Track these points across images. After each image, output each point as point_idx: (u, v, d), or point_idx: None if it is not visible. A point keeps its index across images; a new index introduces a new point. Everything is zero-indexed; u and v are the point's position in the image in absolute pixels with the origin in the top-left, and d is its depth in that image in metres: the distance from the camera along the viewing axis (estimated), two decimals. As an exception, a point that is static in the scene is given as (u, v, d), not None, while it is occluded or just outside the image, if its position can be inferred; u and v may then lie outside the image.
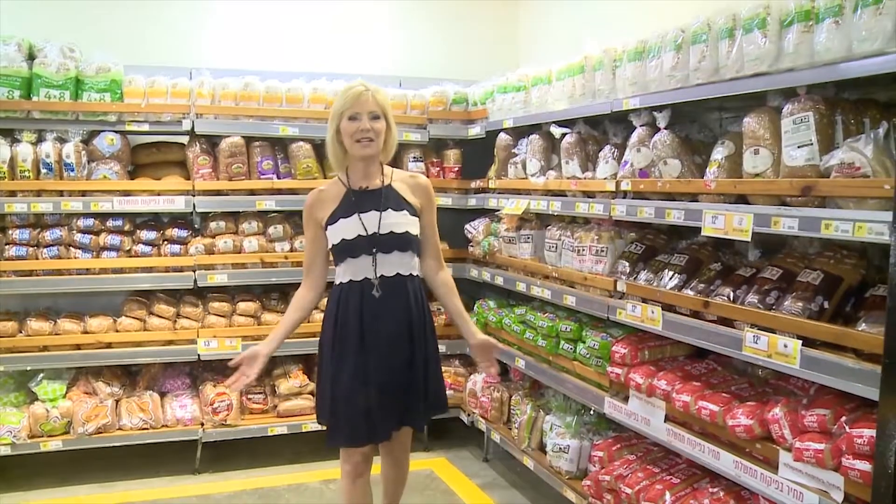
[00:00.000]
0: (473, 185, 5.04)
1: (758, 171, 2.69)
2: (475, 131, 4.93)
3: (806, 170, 2.50)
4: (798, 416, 2.52)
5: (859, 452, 2.24)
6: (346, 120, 2.99)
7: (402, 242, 3.06)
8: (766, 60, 2.61)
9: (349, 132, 2.99)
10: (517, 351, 4.29)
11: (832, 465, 2.34)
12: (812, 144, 2.48)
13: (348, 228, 3.04)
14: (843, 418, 2.38)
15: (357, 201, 3.08)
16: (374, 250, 3.03)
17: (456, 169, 5.11)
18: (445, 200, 4.97)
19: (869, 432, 2.21)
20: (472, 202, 5.02)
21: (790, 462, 2.51)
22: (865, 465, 2.21)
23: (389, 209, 3.06)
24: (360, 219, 3.04)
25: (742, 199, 2.80)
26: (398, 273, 3.08)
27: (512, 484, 4.44)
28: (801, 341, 2.46)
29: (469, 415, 4.83)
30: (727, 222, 2.76)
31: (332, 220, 3.08)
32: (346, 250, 3.05)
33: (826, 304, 2.53)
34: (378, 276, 3.04)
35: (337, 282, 3.14)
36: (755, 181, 2.69)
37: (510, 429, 4.40)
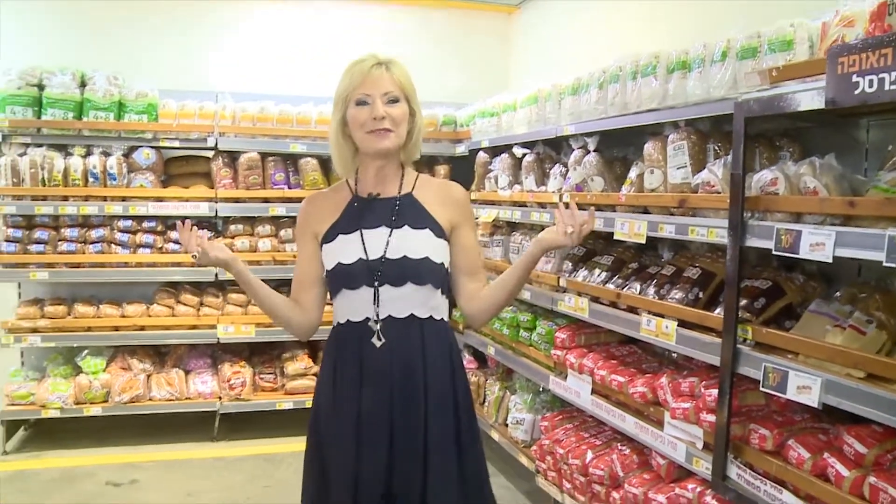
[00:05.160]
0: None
1: (653, 187, 3.32)
2: (461, 150, 5.56)
3: (683, 187, 3.12)
4: (677, 384, 3.07)
5: (710, 408, 2.82)
6: (353, 106, 2.21)
7: (418, 272, 2.22)
8: (657, 99, 3.23)
9: (358, 121, 2.20)
10: (490, 340, 4.92)
11: (694, 419, 2.91)
12: (686, 166, 3.10)
13: (347, 249, 2.25)
14: (703, 383, 3.00)
15: (362, 213, 2.29)
16: (376, 281, 2.21)
17: (445, 182, 5.77)
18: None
19: (716, 392, 2.78)
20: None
21: (670, 420, 3.10)
22: (713, 418, 2.78)
23: (406, 226, 2.25)
24: (363, 236, 2.25)
25: (646, 210, 3.43)
26: (412, 315, 2.24)
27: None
28: (677, 322, 3.06)
29: (451, 397, 5.47)
30: (630, 228, 3.38)
31: (330, 236, 2.30)
32: (342, 279, 2.26)
33: (701, 294, 3.10)
34: (381, 316, 2.22)
35: (334, 322, 2.36)
36: (650, 195, 3.32)
37: (483, 407, 5.05)
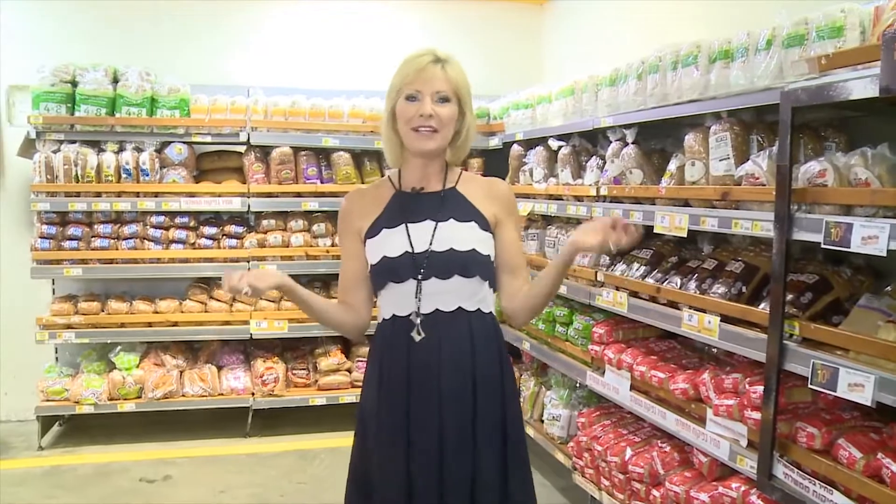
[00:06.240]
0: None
1: (694, 179, 3.25)
2: (494, 142, 5.50)
3: (725, 179, 3.04)
4: (720, 380, 3.01)
5: (755, 405, 2.76)
6: (402, 100, 2.19)
7: (465, 264, 2.20)
8: (698, 89, 3.15)
9: (405, 116, 2.18)
10: (525, 335, 4.87)
11: (738, 417, 2.85)
12: (729, 158, 3.02)
13: (393, 242, 2.23)
14: (748, 379, 2.93)
15: (406, 207, 2.28)
16: (421, 274, 2.19)
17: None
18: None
19: (761, 388, 2.72)
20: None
21: (712, 417, 3.04)
22: (758, 415, 2.72)
23: (451, 219, 2.24)
24: (408, 230, 2.24)
25: (687, 203, 3.36)
26: (460, 308, 2.22)
27: (519, 452, 5.03)
28: (719, 318, 2.99)
29: (485, 393, 5.43)
30: (671, 221, 3.31)
31: (373, 231, 2.28)
32: (387, 272, 2.22)
33: (744, 289, 3.04)
34: (424, 311, 2.20)
35: (380, 319, 2.33)
36: (691, 188, 3.25)
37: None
